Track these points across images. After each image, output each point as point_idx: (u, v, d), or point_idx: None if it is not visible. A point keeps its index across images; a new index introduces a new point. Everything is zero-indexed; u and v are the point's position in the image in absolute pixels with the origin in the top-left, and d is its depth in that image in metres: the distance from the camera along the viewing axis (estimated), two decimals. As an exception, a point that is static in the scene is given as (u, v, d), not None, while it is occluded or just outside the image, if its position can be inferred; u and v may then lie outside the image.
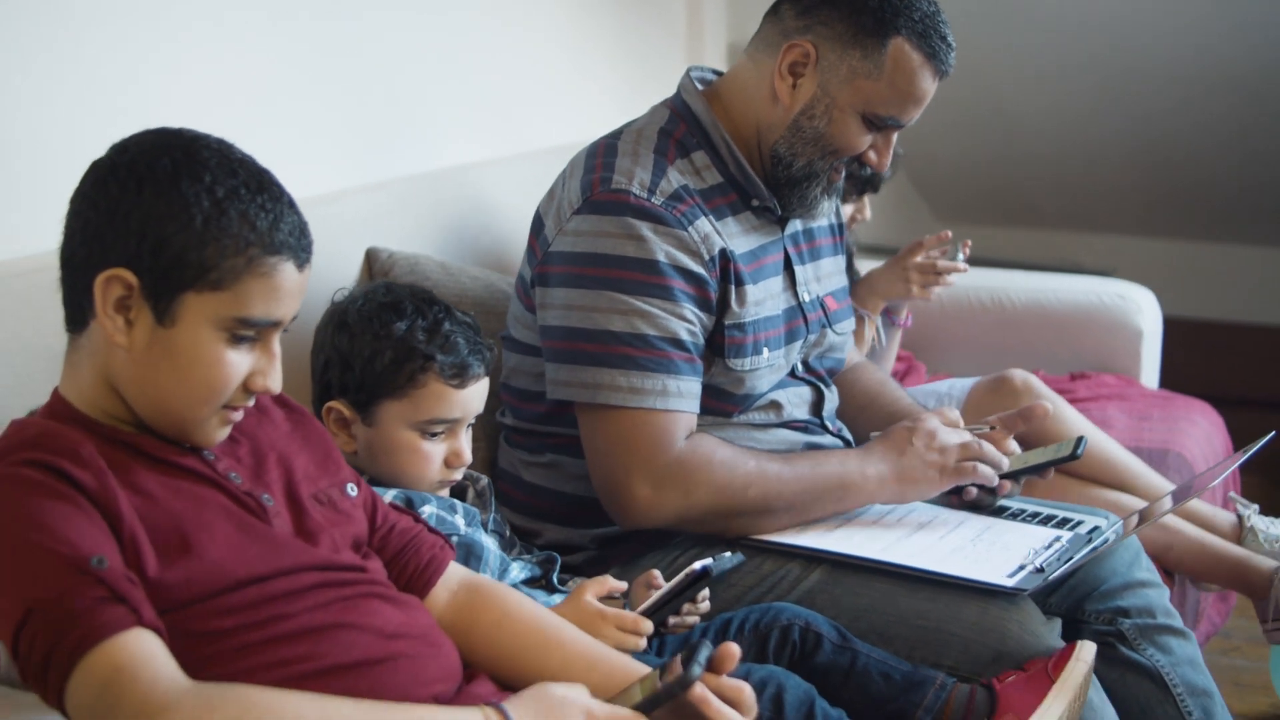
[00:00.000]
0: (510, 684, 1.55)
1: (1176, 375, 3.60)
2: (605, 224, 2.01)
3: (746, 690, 1.42)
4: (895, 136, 2.12)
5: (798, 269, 2.21)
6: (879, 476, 2.06)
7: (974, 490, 2.14)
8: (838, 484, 2.05)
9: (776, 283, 2.17)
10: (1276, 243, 4.74)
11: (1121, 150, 4.53)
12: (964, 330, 3.44)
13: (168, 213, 1.36)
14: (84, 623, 1.25)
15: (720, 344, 2.06)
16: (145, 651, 1.26)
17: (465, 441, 1.90)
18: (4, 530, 1.30)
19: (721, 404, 2.11)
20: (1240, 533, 2.67)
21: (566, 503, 2.16)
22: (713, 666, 1.40)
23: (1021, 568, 1.96)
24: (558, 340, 2.03)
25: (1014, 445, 2.17)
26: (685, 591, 1.76)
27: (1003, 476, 2.12)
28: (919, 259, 2.78)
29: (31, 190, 1.99)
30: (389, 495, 1.79)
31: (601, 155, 2.09)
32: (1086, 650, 1.81)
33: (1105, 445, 2.66)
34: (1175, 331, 3.65)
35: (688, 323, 2.01)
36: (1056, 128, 4.53)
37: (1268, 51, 4.01)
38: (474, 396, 1.89)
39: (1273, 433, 2.21)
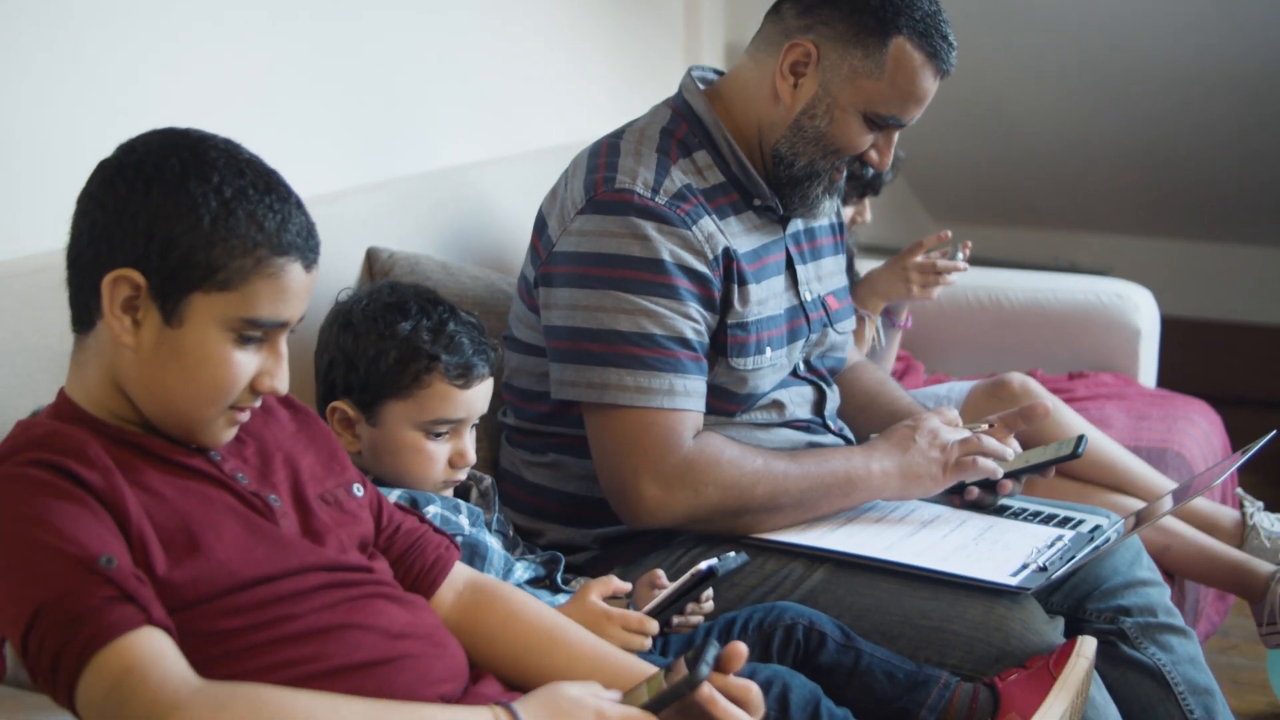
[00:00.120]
0: (516, 684, 1.56)
1: (1173, 374, 3.61)
2: (610, 224, 2.01)
3: (754, 690, 1.42)
4: (896, 136, 2.13)
5: (799, 268, 2.22)
6: (883, 473, 2.06)
7: (975, 490, 2.15)
8: (843, 480, 2.06)
9: (779, 282, 2.17)
10: (1273, 242, 4.75)
11: (1119, 150, 4.54)
12: (962, 330, 3.44)
13: (176, 213, 1.36)
14: (93, 622, 1.25)
15: (723, 343, 2.07)
16: (155, 650, 1.26)
17: (469, 442, 1.90)
18: (12, 530, 1.30)
19: (724, 403, 2.11)
20: (1243, 529, 2.67)
21: (569, 502, 2.16)
22: (720, 666, 1.40)
23: (1024, 566, 1.96)
24: (563, 340, 2.03)
25: (1015, 444, 2.18)
26: (690, 592, 1.76)
27: (1004, 476, 2.12)
28: (919, 259, 2.79)
29: (32, 190, 1.99)
30: (394, 495, 1.79)
31: (604, 155, 2.09)
32: (1087, 646, 1.82)
33: (1105, 446, 2.67)
34: (1172, 331, 3.66)
35: (693, 322, 2.01)
36: (1054, 127, 4.54)
37: (1266, 51, 4.02)
38: (478, 397, 1.89)
39: (1274, 432, 2.21)
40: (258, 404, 1.47)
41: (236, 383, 1.41)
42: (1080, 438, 2.18)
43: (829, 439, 2.26)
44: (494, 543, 1.88)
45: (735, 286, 2.06)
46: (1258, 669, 3.00)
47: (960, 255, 2.81)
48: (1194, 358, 4.28)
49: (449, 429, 1.88)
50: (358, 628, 1.43)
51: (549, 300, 2.07)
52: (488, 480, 2.01)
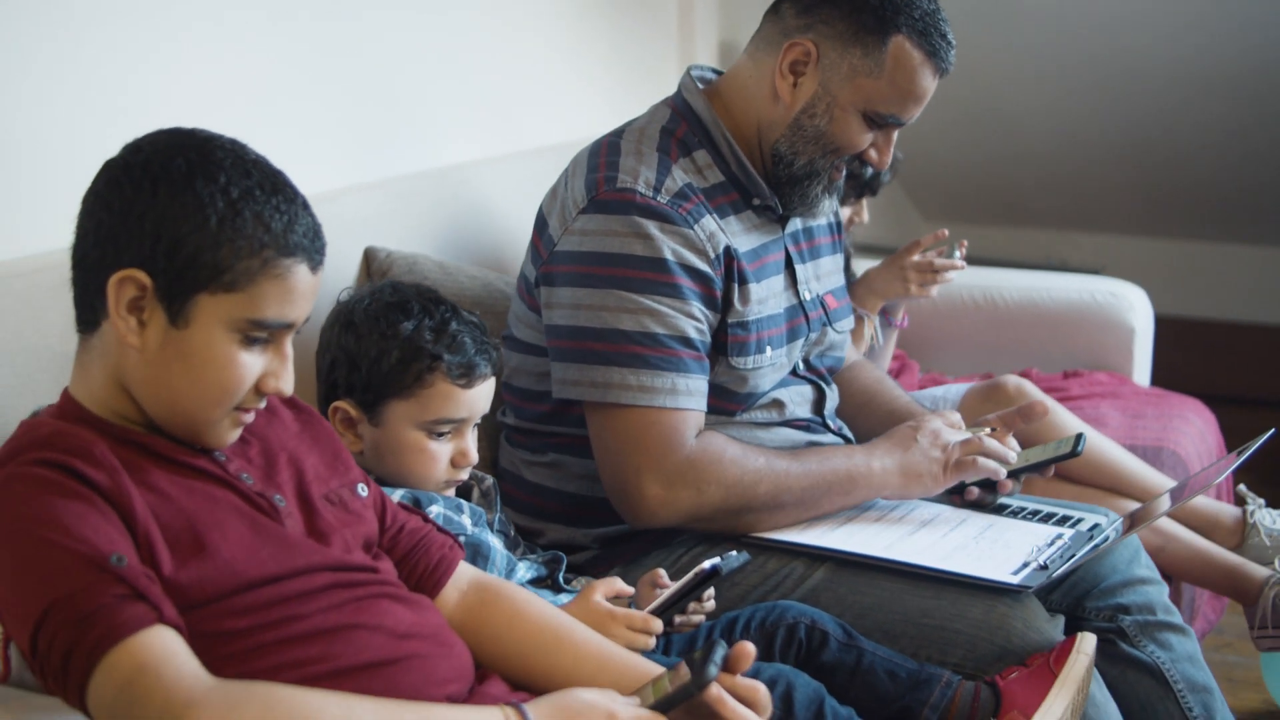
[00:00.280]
0: (521, 683, 1.56)
1: (1167, 373, 3.62)
2: (612, 223, 2.01)
3: (762, 690, 1.43)
4: (895, 135, 2.13)
5: (798, 267, 2.22)
6: (884, 471, 2.07)
7: (975, 490, 2.16)
8: (845, 478, 2.06)
9: (778, 281, 2.17)
10: (1265, 241, 4.77)
11: (1112, 149, 4.55)
12: (957, 329, 3.45)
13: (182, 214, 1.35)
14: (105, 620, 1.25)
15: (724, 342, 2.07)
16: (167, 649, 1.26)
17: (471, 441, 1.90)
18: (19, 529, 1.30)
19: (724, 403, 2.11)
20: (1243, 527, 2.68)
21: (569, 502, 2.16)
22: (727, 666, 1.40)
23: (1025, 565, 1.97)
24: (565, 339, 2.03)
25: (1014, 444, 2.18)
26: (693, 591, 1.76)
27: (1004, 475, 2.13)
28: (916, 258, 2.79)
29: (32, 190, 1.98)
30: (396, 495, 1.79)
31: (605, 154, 2.09)
32: (1087, 642, 1.82)
33: (1102, 446, 2.67)
34: (1165, 329, 3.67)
35: (696, 321, 2.01)
36: (1048, 127, 4.55)
37: (1262, 52, 4.03)
38: (480, 396, 1.89)
39: (1272, 430, 2.21)
40: (263, 405, 1.47)
41: (242, 384, 1.41)
42: (1079, 436, 2.18)
43: (828, 438, 2.26)
44: (496, 543, 1.88)
45: (736, 285, 2.06)
46: (1252, 667, 3.01)
47: (957, 253, 2.82)
48: (1187, 357, 4.29)
49: (451, 429, 1.88)
50: (364, 628, 1.43)
51: (551, 299, 2.07)
52: (489, 480, 2.01)
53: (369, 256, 2.39)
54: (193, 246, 1.36)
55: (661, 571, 1.92)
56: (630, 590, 1.80)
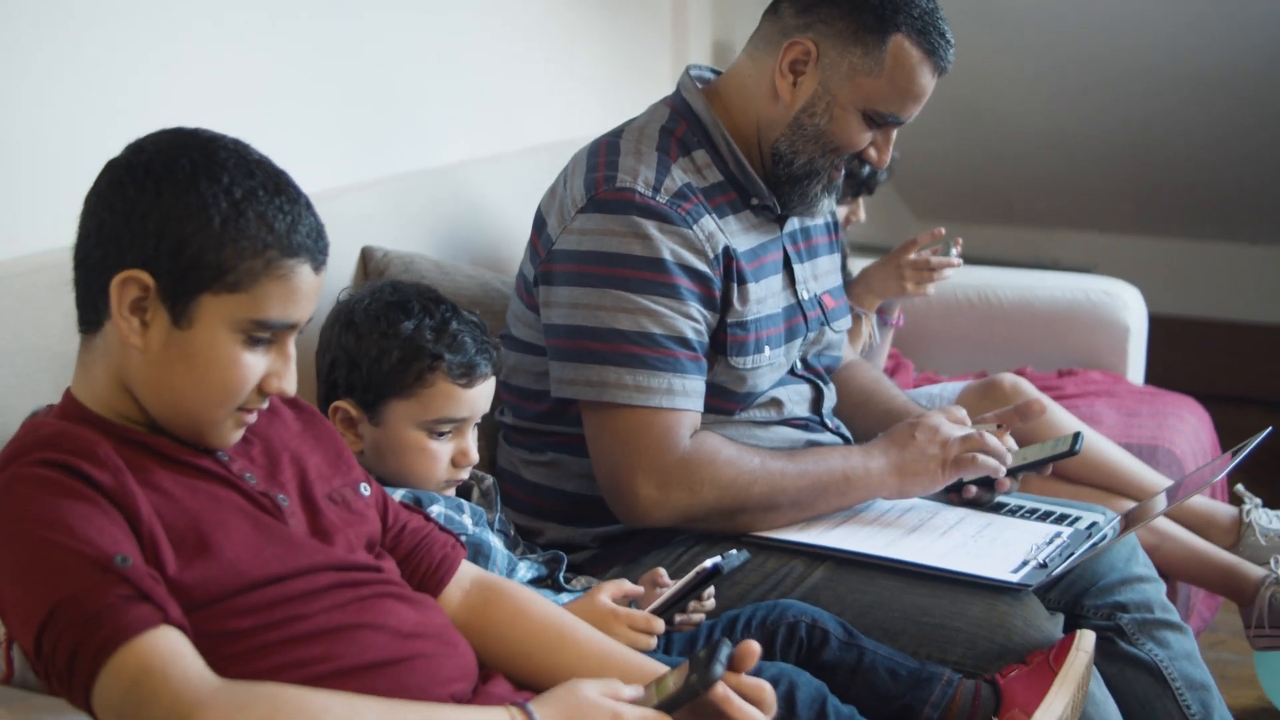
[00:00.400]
0: (525, 682, 1.56)
1: (1160, 372, 3.62)
2: (610, 222, 2.01)
3: (767, 689, 1.43)
4: (894, 134, 2.13)
5: (796, 267, 2.22)
6: (881, 471, 2.07)
7: (973, 488, 2.16)
8: (841, 479, 2.06)
9: (776, 281, 2.17)
10: (1257, 240, 4.78)
11: (1104, 148, 4.56)
12: (952, 328, 3.45)
13: (186, 214, 1.35)
14: (110, 621, 1.24)
15: (723, 342, 2.07)
16: (173, 650, 1.26)
17: (472, 441, 1.90)
18: (23, 530, 1.29)
19: (723, 402, 2.12)
20: (1239, 526, 2.68)
21: (568, 501, 2.16)
22: (733, 665, 1.40)
23: (1025, 563, 1.97)
24: (563, 339, 2.04)
25: (1011, 442, 2.18)
26: (694, 590, 1.77)
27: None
28: (912, 256, 2.79)
29: (32, 190, 1.98)
30: (397, 495, 1.78)
31: (604, 154, 2.09)
32: (1086, 640, 1.82)
33: (1099, 444, 2.68)
34: (1157, 328, 3.67)
35: (693, 321, 2.01)
36: (1041, 127, 4.55)
37: (1253, 52, 4.04)
38: (481, 396, 1.89)
39: (1269, 429, 2.22)
40: (265, 405, 1.47)
41: (245, 384, 1.41)
42: (1077, 434, 2.19)
43: (827, 437, 2.26)
44: (497, 542, 1.88)
45: (735, 285, 2.06)
46: (1245, 664, 3.02)
47: (953, 251, 2.82)
48: (1180, 355, 4.30)
49: (452, 428, 1.88)
50: (368, 627, 1.43)
51: (549, 298, 2.07)
52: (489, 480, 2.01)
53: (366, 256, 2.39)
54: (196, 247, 1.35)
55: (662, 571, 1.92)
56: (639, 590, 1.80)
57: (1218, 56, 4.08)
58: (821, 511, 2.08)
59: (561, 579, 1.94)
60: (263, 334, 1.40)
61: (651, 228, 2.00)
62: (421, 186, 2.67)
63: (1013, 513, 2.17)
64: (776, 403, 2.19)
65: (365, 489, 1.59)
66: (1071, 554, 1.99)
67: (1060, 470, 2.50)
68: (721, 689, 1.38)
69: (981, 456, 2.07)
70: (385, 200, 2.55)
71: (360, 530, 1.54)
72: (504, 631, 1.60)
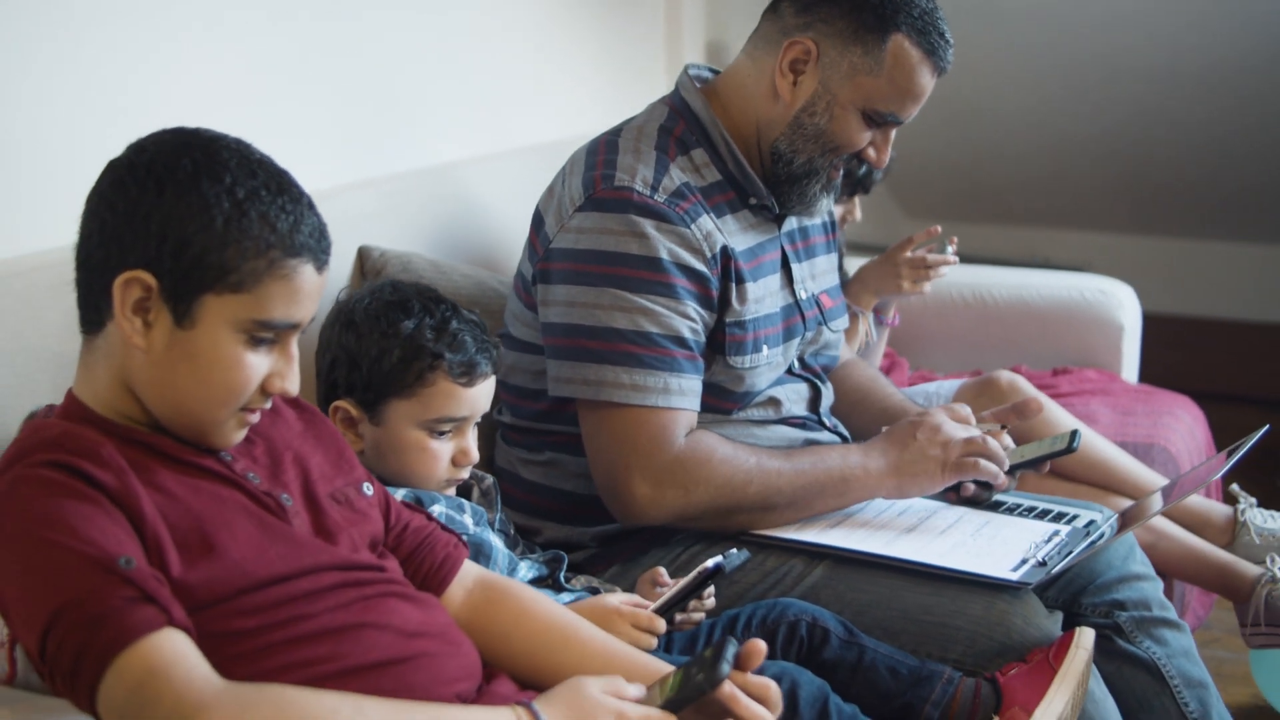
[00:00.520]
0: (528, 681, 1.56)
1: (1153, 370, 3.63)
2: (608, 221, 2.01)
3: (773, 688, 1.43)
4: (893, 134, 2.14)
5: (794, 267, 2.23)
6: (880, 471, 2.07)
7: (971, 486, 2.16)
8: (838, 479, 2.06)
9: (774, 280, 2.18)
10: (1249, 239, 4.78)
11: (1096, 147, 4.56)
12: (946, 326, 3.46)
13: (188, 214, 1.35)
14: (115, 623, 1.24)
15: (721, 341, 2.07)
16: (178, 651, 1.26)
17: (472, 440, 1.90)
18: (27, 532, 1.29)
19: (721, 401, 2.12)
20: (1234, 525, 2.69)
21: (566, 500, 2.16)
22: (738, 663, 1.40)
23: (1024, 561, 1.97)
24: (560, 337, 2.04)
25: (1009, 441, 2.19)
26: (695, 589, 1.77)
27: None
28: (909, 254, 2.80)
29: (32, 190, 1.98)
30: (399, 495, 1.78)
31: (603, 152, 2.09)
32: (1086, 637, 1.83)
33: (1095, 443, 2.68)
34: (1152, 327, 3.68)
35: (690, 320, 2.02)
36: (1032, 126, 4.55)
37: (1245, 50, 4.05)
38: (482, 395, 1.89)
39: (1266, 427, 2.22)
40: (268, 405, 1.47)
41: (248, 384, 1.41)
42: (1074, 432, 2.20)
43: (824, 435, 2.26)
44: (498, 542, 1.88)
45: (733, 285, 2.07)
46: (1239, 662, 3.02)
47: (949, 249, 2.82)
48: (1173, 354, 4.30)
49: (452, 427, 1.87)
50: (372, 627, 1.43)
51: (546, 297, 2.07)
52: (489, 479, 2.01)
53: (363, 255, 2.39)
54: (199, 247, 1.35)
55: (662, 570, 1.93)
56: (647, 604, 1.80)
57: (1217, 56, 4.09)
58: (819, 511, 2.08)
59: (562, 579, 1.94)
60: (266, 334, 1.40)
61: (649, 227, 2.00)
62: (418, 186, 2.67)
63: (1011, 511, 2.18)
64: (774, 402, 2.20)
65: (368, 488, 1.59)
66: (1070, 552, 2.00)
67: (1057, 468, 2.51)
68: (728, 687, 1.37)
69: (983, 462, 2.07)
70: (382, 200, 2.55)
71: (363, 530, 1.54)
72: (507, 631, 1.60)
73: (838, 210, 2.95)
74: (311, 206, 1.44)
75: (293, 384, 1.44)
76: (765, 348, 2.12)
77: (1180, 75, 4.18)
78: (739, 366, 2.09)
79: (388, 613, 1.45)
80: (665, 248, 2.00)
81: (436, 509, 1.81)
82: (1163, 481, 2.63)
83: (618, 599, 1.76)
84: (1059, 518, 2.16)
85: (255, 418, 1.46)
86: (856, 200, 3.02)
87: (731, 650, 1.36)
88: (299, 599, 1.40)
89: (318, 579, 1.43)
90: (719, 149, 2.13)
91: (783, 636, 1.86)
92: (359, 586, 1.46)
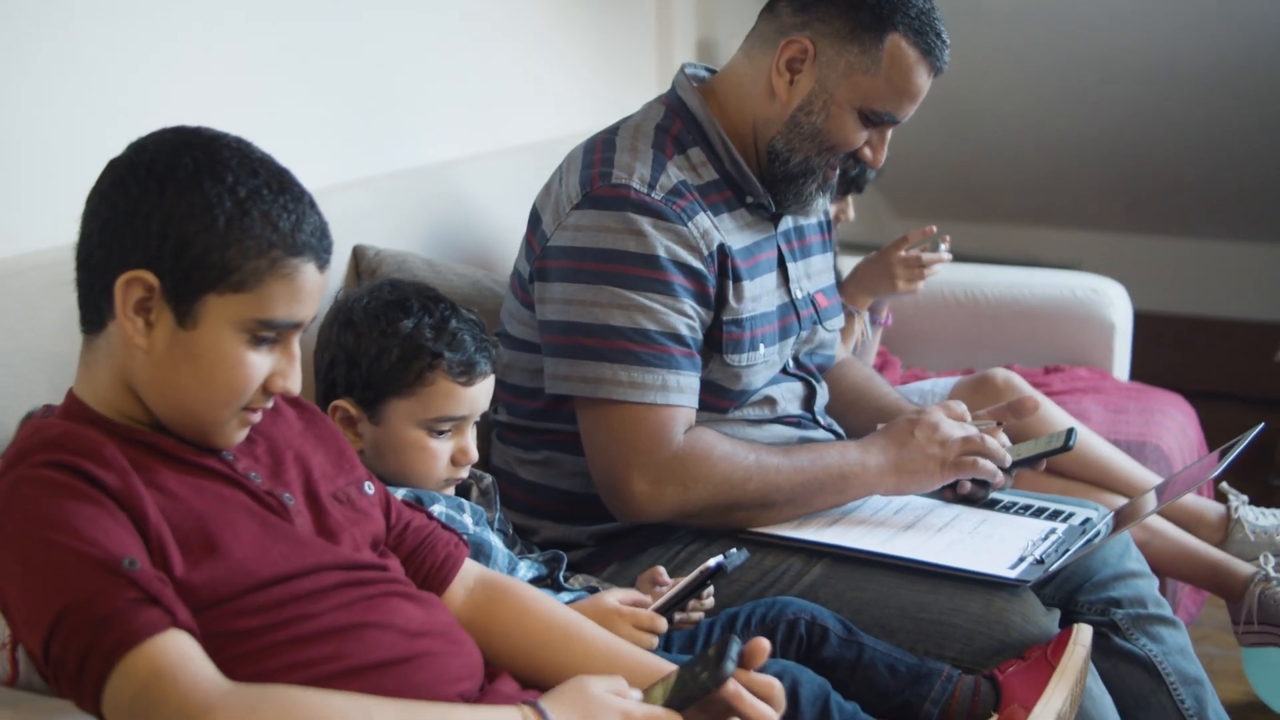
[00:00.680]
0: (530, 680, 1.56)
1: (1143, 368, 3.64)
2: (605, 219, 2.01)
3: (777, 686, 1.43)
4: (889, 133, 2.14)
5: (790, 266, 2.23)
6: (878, 468, 2.07)
7: (968, 484, 2.16)
8: (837, 476, 2.06)
9: (771, 279, 2.18)
10: (1241, 238, 4.80)
11: (1092, 148, 4.57)
12: (938, 325, 3.46)
13: (190, 214, 1.34)
14: (119, 625, 1.24)
15: (718, 339, 2.07)
16: (183, 653, 1.25)
17: (471, 439, 1.90)
18: (30, 533, 1.28)
19: (717, 399, 2.12)
20: (1227, 523, 2.70)
21: (563, 499, 2.16)
22: (742, 661, 1.40)
23: (1021, 559, 1.98)
24: (557, 335, 2.04)
25: (1005, 439, 2.19)
26: (696, 589, 1.77)
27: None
28: (904, 253, 2.80)
29: (31, 189, 1.97)
30: (399, 494, 1.78)
31: (600, 150, 2.09)
32: (1084, 634, 1.83)
33: (1090, 441, 2.69)
34: (1142, 325, 3.69)
35: (687, 318, 2.02)
36: (1023, 125, 4.57)
37: (1235, 49, 4.06)
38: (481, 394, 1.89)
39: (1262, 425, 2.23)
40: (270, 405, 1.47)
41: (250, 384, 1.40)
42: (1070, 430, 2.20)
43: (819, 434, 2.27)
44: (498, 541, 1.88)
45: (730, 283, 2.07)
46: (1230, 659, 3.04)
47: (942, 247, 2.83)
48: (1164, 352, 4.32)
49: (451, 426, 1.87)
50: (375, 626, 1.43)
51: (544, 295, 2.07)
52: (488, 479, 2.01)
53: (358, 255, 2.39)
54: (201, 247, 1.35)
55: (661, 569, 1.92)
56: (647, 599, 1.80)
57: (1213, 57, 4.10)
58: (817, 508, 2.08)
59: (561, 578, 1.94)
60: (268, 333, 1.40)
61: (646, 224, 2.00)
62: (412, 185, 2.67)
63: (1007, 509, 2.18)
64: (770, 401, 2.20)
65: (369, 487, 1.59)
66: (1067, 550, 2.00)
67: (1052, 465, 2.51)
68: (733, 686, 1.38)
69: (982, 460, 2.08)
70: (377, 199, 2.55)
71: (365, 529, 1.54)
72: (509, 630, 1.60)
73: (831, 209, 2.95)
74: (313, 205, 1.43)
75: (295, 383, 1.44)
76: (762, 346, 2.13)
77: (1174, 76, 4.19)
78: (736, 365, 2.09)
79: (390, 612, 1.45)
80: (662, 245, 2.00)
81: (436, 508, 1.81)
82: (1156, 480, 2.64)
83: (616, 596, 1.76)
84: (1055, 515, 2.16)
85: (257, 417, 1.46)
86: (850, 199, 3.02)
87: (736, 649, 1.36)
88: (302, 598, 1.40)
89: (320, 578, 1.42)
90: (716, 148, 2.14)
91: (782, 635, 1.86)
92: (362, 586, 1.45)
